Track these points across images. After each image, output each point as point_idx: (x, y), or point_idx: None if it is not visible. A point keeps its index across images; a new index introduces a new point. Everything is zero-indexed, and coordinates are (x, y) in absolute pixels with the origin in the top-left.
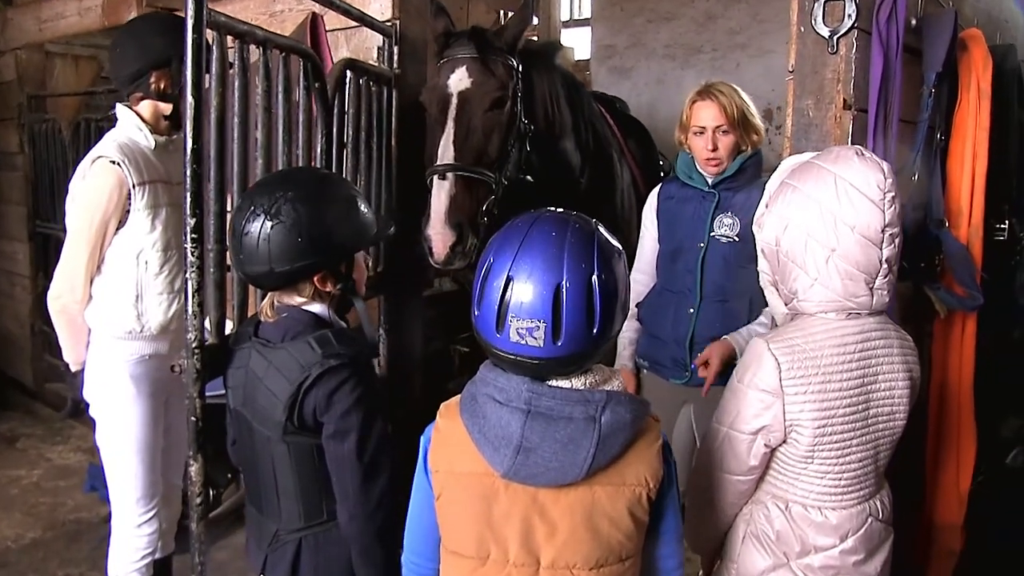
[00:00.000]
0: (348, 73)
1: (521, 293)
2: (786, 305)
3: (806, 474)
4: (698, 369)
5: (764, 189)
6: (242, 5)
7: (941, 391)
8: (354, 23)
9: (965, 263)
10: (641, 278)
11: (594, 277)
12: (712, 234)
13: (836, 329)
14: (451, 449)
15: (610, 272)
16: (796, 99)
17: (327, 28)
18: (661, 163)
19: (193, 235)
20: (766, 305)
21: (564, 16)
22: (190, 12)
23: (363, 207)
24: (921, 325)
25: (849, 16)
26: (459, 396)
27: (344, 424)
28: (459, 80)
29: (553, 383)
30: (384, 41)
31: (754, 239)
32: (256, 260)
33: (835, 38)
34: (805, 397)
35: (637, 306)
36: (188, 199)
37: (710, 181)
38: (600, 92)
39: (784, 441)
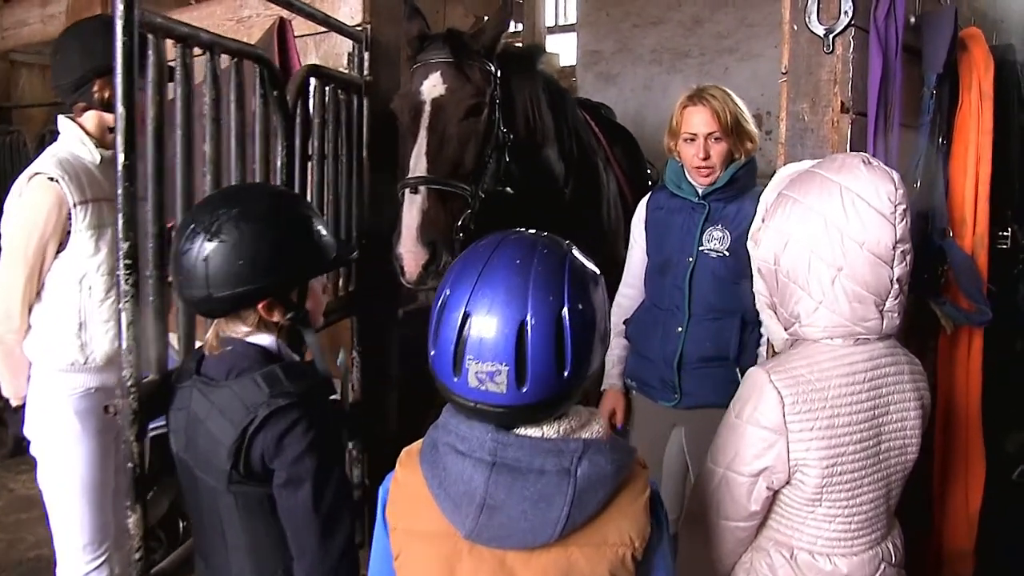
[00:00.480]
0: (313, 80)
1: (480, 331)
2: (786, 330)
3: (813, 518)
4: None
5: (758, 200)
6: (208, 11)
7: (947, 411)
8: (323, 28)
9: (971, 275)
10: (630, 292)
11: (564, 311)
12: (701, 248)
13: (844, 356)
14: (410, 504)
15: (584, 302)
16: (790, 102)
17: (296, 34)
18: (649, 171)
19: (127, 260)
20: (759, 323)
21: (549, 22)
22: (119, 12)
23: (319, 228)
24: (924, 340)
25: (845, 13)
26: (421, 441)
27: (297, 471)
28: (433, 86)
29: (521, 431)
30: (354, 46)
31: (747, 254)
32: (194, 284)
33: (831, 37)
34: (812, 434)
35: (625, 323)
36: (120, 221)
37: (700, 191)
38: (585, 98)
39: (788, 483)
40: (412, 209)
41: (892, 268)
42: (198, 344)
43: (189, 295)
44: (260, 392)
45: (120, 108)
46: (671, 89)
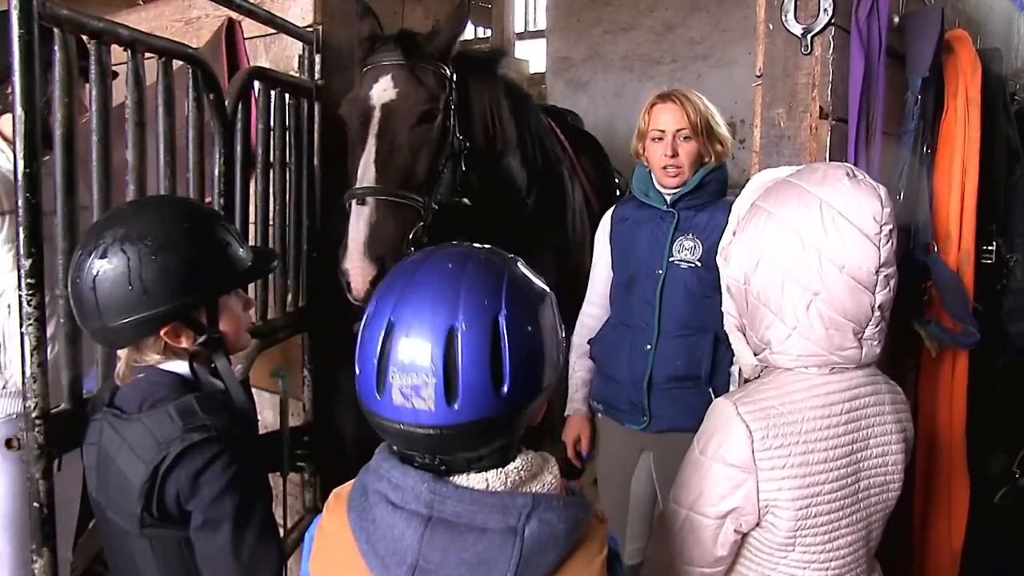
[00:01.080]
0: (257, 84)
1: (404, 340)
2: (756, 356)
3: (786, 564)
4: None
5: (730, 209)
6: (156, 12)
7: (929, 438)
8: (273, 30)
9: (957, 293)
10: (594, 311)
11: (501, 317)
12: (671, 259)
13: (819, 386)
14: (334, 559)
15: (526, 314)
16: (765, 107)
17: (246, 36)
18: (617, 181)
19: (29, 280)
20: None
21: (518, 27)
22: (14, 2)
23: (225, 239)
24: (904, 361)
25: (825, 11)
26: (352, 483)
27: (215, 512)
28: (383, 90)
29: (463, 480)
30: (304, 48)
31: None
32: (88, 313)
33: (809, 36)
34: (784, 472)
35: (590, 343)
36: (22, 235)
37: (668, 199)
38: (550, 105)
39: (758, 525)
40: (359, 222)
41: (874, 294)
42: None
43: (87, 326)
44: (173, 426)
45: (19, 110)
46: (642, 96)
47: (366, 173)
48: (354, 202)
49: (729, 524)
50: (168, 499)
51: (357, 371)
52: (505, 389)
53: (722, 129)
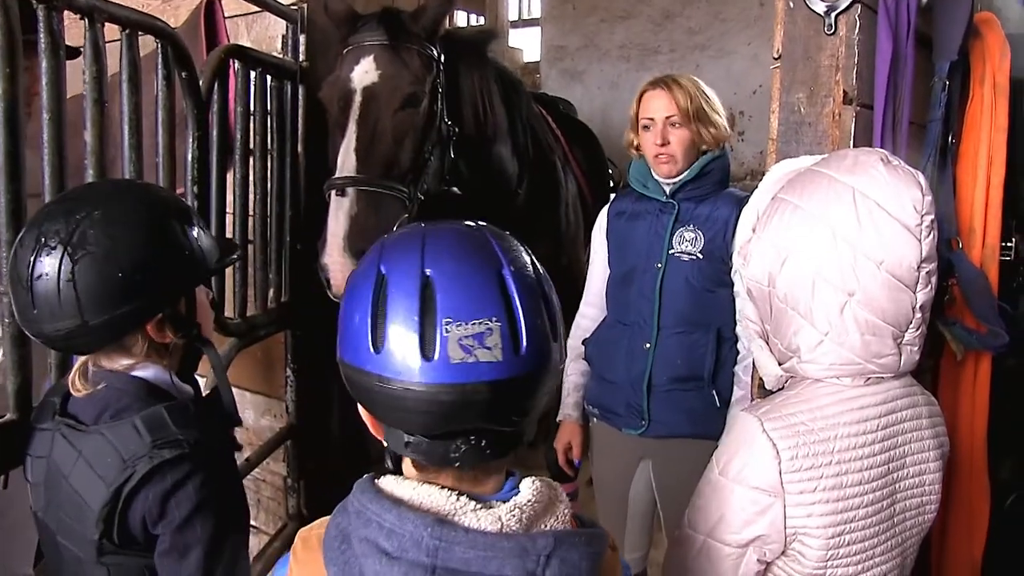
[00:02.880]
0: (236, 63)
1: (453, 286)
2: (781, 365)
3: None
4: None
5: (735, 201)
6: None
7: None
8: (255, 8)
9: (983, 292)
10: (590, 312)
11: (540, 270)
12: (671, 251)
13: (852, 400)
14: None
15: (547, 280)
16: (784, 92)
17: (226, 14)
18: (611, 172)
19: None
20: (736, 338)
21: (512, 15)
22: None
23: (197, 224)
24: (920, 361)
25: None
26: (324, 522)
27: (184, 537)
28: (364, 72)
29: (467, 519)
30: (288, 28)
31: (721, 258)
32: (59, 314)
33: (833, 15)
34: (814, 496)
35: (584, 343)
36: None
37: (668, 190)
38: (541, 92)
39: (783, 553)
40: (339, 214)
41: (915, 293)
42: None
43: (52, 329)
44: (140, 441)
45: None
46: (639, 86)
47: (346, 161)
48: (333, 193)
49: (752, 553)
50: (132, 523)
51: (374, 350)
52: (559, 335)
53: (716, 115)
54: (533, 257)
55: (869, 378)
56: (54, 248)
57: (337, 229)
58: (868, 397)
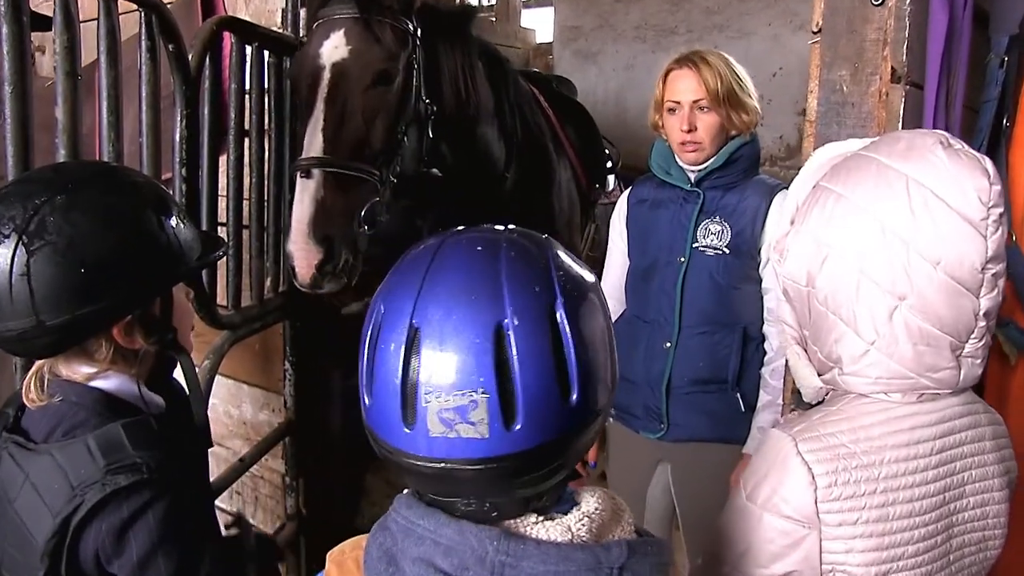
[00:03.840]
0: (231, 37)
1: (438, 349)
2: (820, 376)
3: None
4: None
5: (765, 189)
6: None
7: None
8: None
9: None
10: (608, 304)
11: (557, 307)
12: (695, 245)
13: (902, 419)
14: None
15: (583, 301)
16: (824, 69)
17: None
18: (608, 153)
19: None
20: (764, 338)
21: None
22: None
23: (177, 215)
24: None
25: None
26: (359, 542)
27: (146, 574)
28: (334, 47)
29: (536, 531)
30: (288, 2)
31: (749, 252)
32: (9, 312)
33: None
34: (855, 529)
35: None
36: None
37: (692, 177)
38: (533, 71)
39: None
40: (304, 198)
41: (978, 298)
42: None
43: (3, 330)
44: (92, 464)
45: None
46: (656, 68)
47: (313, 142)
48: (299, 175)
49: None
50: (84, 559)
51: (367, 400)
52: (575, 397)
53: (748, 97)
54: (582, 280)
55: (922, 394)
56: (7, 236)
57: (302, 214)
58: (921, 416)
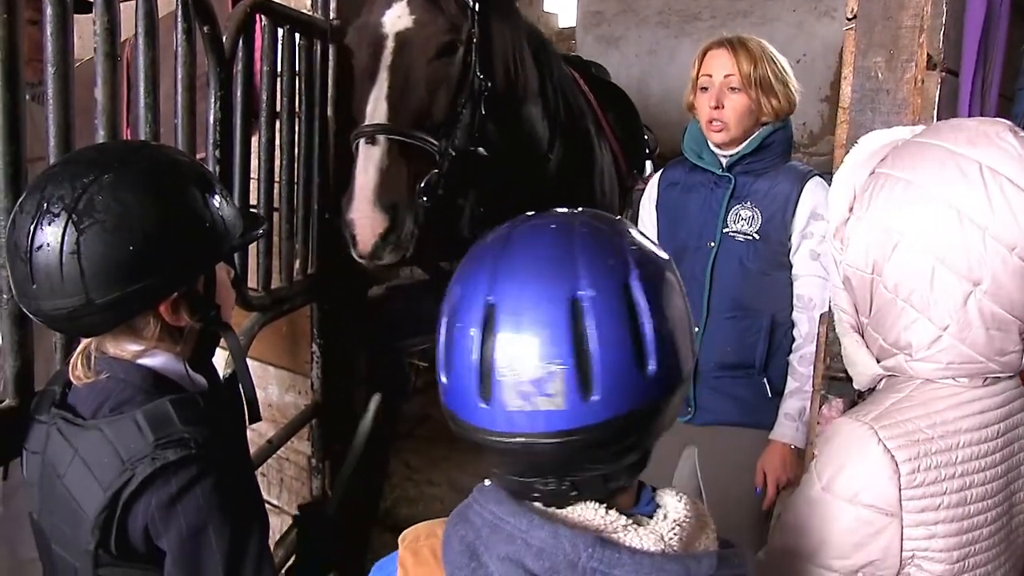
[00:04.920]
0: (263, 20)
1: (516, 324)
2: (880, 362)
3: None
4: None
5: (797, 176)
6: None
7: None
8: None
9: None
10: None
11: (632, 280)
12: (725, 230)
13: (972, 403)
14: None
15: (658, 276)
16: (859, 55)
17: None
18: (647, 138)
19: None
20: (792, 325)
21: None
22: None
23: (219, 193)
24: None
25: None
26: (434, 530)
27: (194, 551)
28: (397, 17)
29: (628, 538)
30: None
31: (779, 239)
32: (60, 290)
33: None
34: (938, 515)
35: None
36: None
37: (724, 162)
38: (573, 55)
39: None
40: (368, 164)
41: None
42: None
43: (52, 308)
44: (141, 439)
45: None
46: (678, 54)
47: (377, 109)
48: (362, 141)
49: None
50: (133, 532)
51: (444, 379)
52: (651, 368)
53: (784, 84)
54: (656, 257)
55: (987, 378)
56: (57, 215)
57: (366, 181)
58: (988, 400)
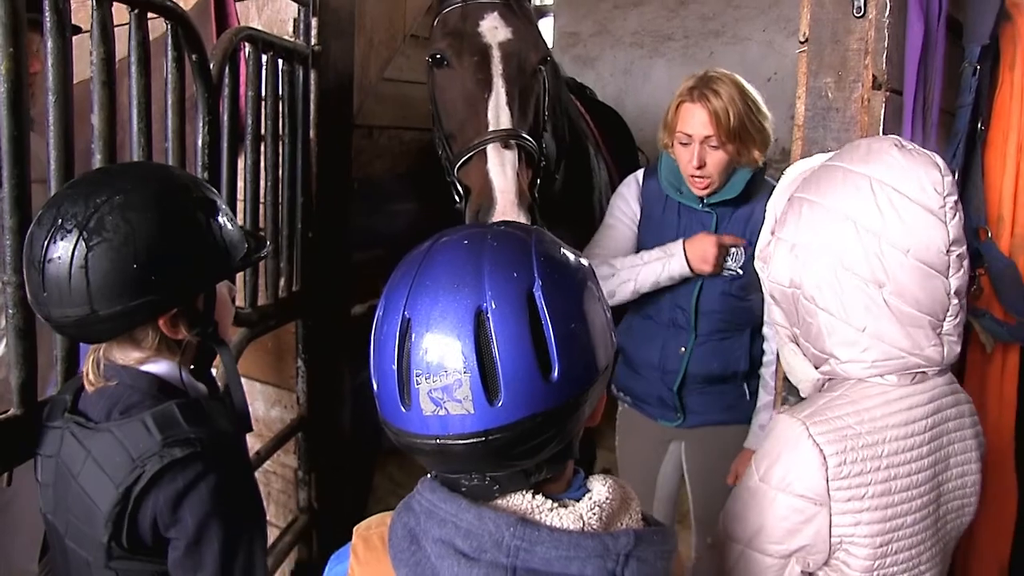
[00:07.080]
0: (247, 47)
1: (426, 335)
2: (817, 368)
3: None
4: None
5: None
6: None
7: None
8: None
9: (1013, 283)
10: (606, 271)
11: (536, 290)
12: None
13: (900, 400)
14: None
15: (565, 284)
16: (811, 76)
17: None
18: (639, 156)
19: None
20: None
21: None
22: None
23: (224, 216)
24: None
25: None
26: (384, 519)
27: (199, 542)
28: (494, 28)
29: (549, 518)
30: (300, 11)
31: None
32: (68, 299)
33: None
34: (862, 504)
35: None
36: None
37: (704, 199)
38: (569, 78)
39: (826, 563)
40: (506, 168)
41: (947, 278)
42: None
43: (61, 315)
44: (150, 439)
45: None
46: (653, 73)
47: (501, 114)
48: (496, 146)
49: (795, 565)
50: (142, 526)
51: (375, 385)
52: (555, 374)
53: (760, 128)
54: (568, 265)
55: (915, 376)
56: (70, 231)
57: (508, 184)
58: (916, 397)
